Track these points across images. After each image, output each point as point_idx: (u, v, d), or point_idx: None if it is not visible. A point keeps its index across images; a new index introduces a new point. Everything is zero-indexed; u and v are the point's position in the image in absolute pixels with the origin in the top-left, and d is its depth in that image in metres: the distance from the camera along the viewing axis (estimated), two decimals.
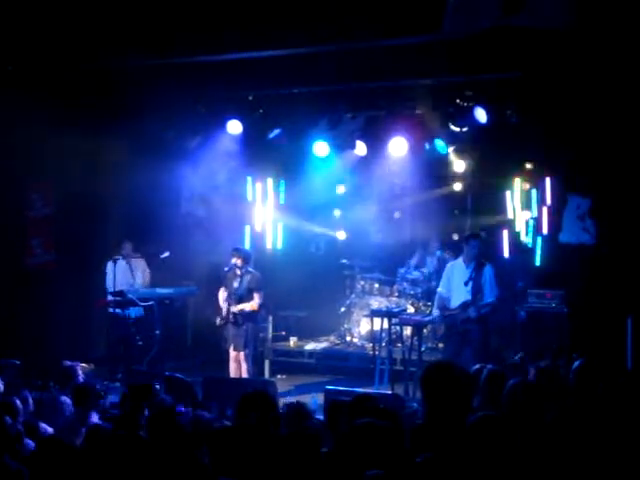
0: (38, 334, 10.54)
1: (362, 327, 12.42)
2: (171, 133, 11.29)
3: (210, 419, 5.91)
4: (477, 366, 6.47)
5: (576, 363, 5.48)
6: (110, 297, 10.81)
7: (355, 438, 4.13)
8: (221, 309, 10.08)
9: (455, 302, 9.56)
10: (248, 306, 9.99)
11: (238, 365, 10.10)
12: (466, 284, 9.42)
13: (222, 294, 10.13)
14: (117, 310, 10.85)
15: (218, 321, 10.12)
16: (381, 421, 4.40)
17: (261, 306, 10.18)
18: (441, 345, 11.11)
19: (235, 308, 9.98)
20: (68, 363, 7.51)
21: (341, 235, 13.54)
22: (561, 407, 5.06)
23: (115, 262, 10.66)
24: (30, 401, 6.30)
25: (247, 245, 11.73)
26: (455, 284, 9.61)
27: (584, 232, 11.22)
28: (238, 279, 10.06)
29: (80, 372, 7.38)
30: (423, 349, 10.76)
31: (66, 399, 6.59)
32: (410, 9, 7.75)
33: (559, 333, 10.39)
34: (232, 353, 10.13)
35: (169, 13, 8.44)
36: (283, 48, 8.85)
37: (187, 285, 11.65)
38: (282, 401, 7.37)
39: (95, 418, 6.28)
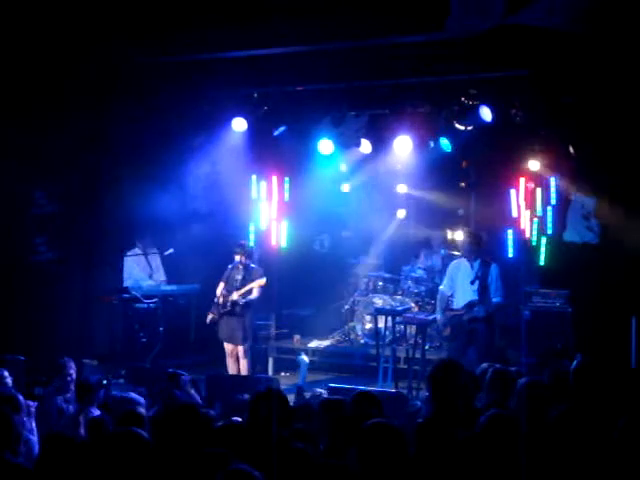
0: (42, 330, 10.55)
1: (366, 325, 12.42)
2: (176, 130, 11.29)
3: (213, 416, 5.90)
4: (484, 365, 6.48)
5: (575, 362, 5.47)
6: (114, 294, 10.85)
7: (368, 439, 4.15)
8: (216, 304, 10.07)
9: (460, 301, 9.53)
10: (255, 284, 9.98)
11: (235, 360, 10.09)
12: (472, 283, 9.38)
13: (220, 288, 10.15)
14: (121, 307, 10.87)
15: (209, 318, 10.13)
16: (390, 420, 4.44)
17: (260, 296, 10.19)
18: (445, 344, 11.10)
19: (235, 294, 9.95)
20: (64, 359, 7.52)
21: (345, 233, 13.53)
22: (564, 407, 5.05)
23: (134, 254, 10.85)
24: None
25: (252, 243, 11.73)
26: (460, 283, 9.57)
27: (588, 231, 11.20)
28: (242, 272, 10.09)
29: (73, 367, 7.39)
30: (427, 347, 10.76)
31: (62, 403, 6.62)
32: (415, 7, 7.74)
33: (563, 333, 10.37)
34: (228, 348, 10.11)
35: (173, 10, 8.43)
36: (288, 46, 8.84)
37: (191, 282, 11.66)
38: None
39: (97, 412, 6.29)
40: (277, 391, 5.00)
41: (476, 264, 9.47)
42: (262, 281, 10.06)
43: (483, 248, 9.67)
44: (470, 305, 9.39)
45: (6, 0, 8.55)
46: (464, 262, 9.66)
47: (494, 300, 9.39)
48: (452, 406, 4.82)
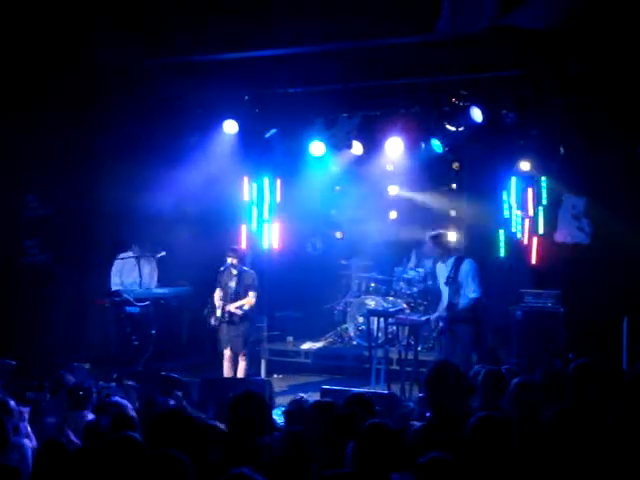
0: (34, 334, 10.53)
1: (359, 327, 12.42)
2: (168, 132, 11.28)
3: (206, 419, 5.90)
4: (477, 367, 6.47)
5: (573, 363, 5.47)
6: (106, 297, 10.82)
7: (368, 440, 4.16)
8: (216, 309, 10.08)
9: (445, 302, 9.48)
10: (245, 302, 9.99)
11: (232, 365, 10.11)
12: (446, 284, 9.26)
13: (218, 294, 10.14)
14: (113, 310, 10.84)
15: (212, 321, 10.12)
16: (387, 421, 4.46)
17: (255, 305, 10.19)
18: (437, 344, 11.13)
19: (232, 306, 9.98)
20: (61, 372, 7.47)
21: (338, 235, 13.53)
22: (558, 407, 5.06)
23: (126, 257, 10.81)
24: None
25: (243, 245, 11.72)
26: (442, 284, 9.46)
27: (579, 232, 11.23)
28: (235, 278, 10.07)
29: (72, 380, 7.34)
30: (419, 349, 10.76)
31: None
32: (406, 9, 7.76)
33: (555, 333, 10.38)
34: (227, 353, 10.12)
35: (165, 12, 8.43)
36: (279, 48, 8.85)
37: (183, 285, 11.64)
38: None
39: (91, 417, 6.26)
40: (255, 393, 4.99)
41: (450, 263, 9.32)
42: (251, 301, 10.06)
43: (447, 245, 9.50)
44: (449, 306, 9.31)
45: (3, 1, 8.53)
46: (442, 264, 9.56)
47: (469, 296, 9.18)
48: (449, 409, 4.82)
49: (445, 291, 9.35)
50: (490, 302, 9.65)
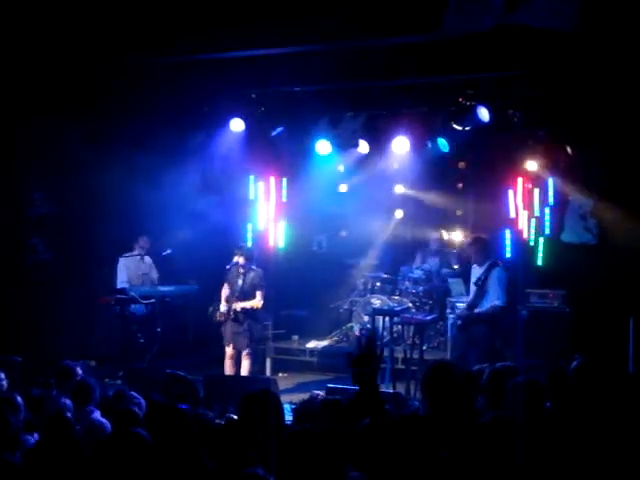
0: (39, 331, 10.55)
1: (364, 326, 12.41)
2: (174, 131, 11.29)
3: (212, 418, 5.90)
4: (478, 366, 6.48)
5: (575, 362, 5.46)
6: (112, 295, 10.83)
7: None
8: (223, 305, 10.09)
9: (469, 301, 9.64)
10: (252, 303, 9.99)
11: (233, 362, 10.11)
12: (476, 284, 9.46)
13: (225, 291, 10.15)
14: (119, 308, 10.86)
15: (217, 315, 10.13)
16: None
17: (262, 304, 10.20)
18: (443, 344, 11.13)
19: (238, 305, 9.98)
20: (68, 363, 7.46)
21: (343, 233, 13.53)
22: (560, 406, 5.06)
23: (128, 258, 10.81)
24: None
25: (249, 244, 11.73)
26: (471, 284, 9.67)
27: (586, 232, 11.21)
28: (242, 277, 10.07)
29: (79, 371, 7.34)
30: (425, 348, 10.77)
31: (66, 401, 6.57)
32: (412, 8, 7.74)
33: (561, 333, 10.38)
34: (229, 351, 10.13)
35: (171, 11, 8.43)
36: (285, 46, 8.84)
37: (189, 283, 11.65)
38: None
39: (96, 414, 6.27)
40: (268, 393, 4.99)
41: (485, 266, 9.51)
42: (259, 303, 10.05)
43: (489, 250, 9.66)
44: (469, 306, 9.47)
45: (9, 1, 8.54)
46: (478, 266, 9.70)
47: (492, 303, 9.38)
48: (445, 408, 4.81)
49: (473, 291, 9.54)
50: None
